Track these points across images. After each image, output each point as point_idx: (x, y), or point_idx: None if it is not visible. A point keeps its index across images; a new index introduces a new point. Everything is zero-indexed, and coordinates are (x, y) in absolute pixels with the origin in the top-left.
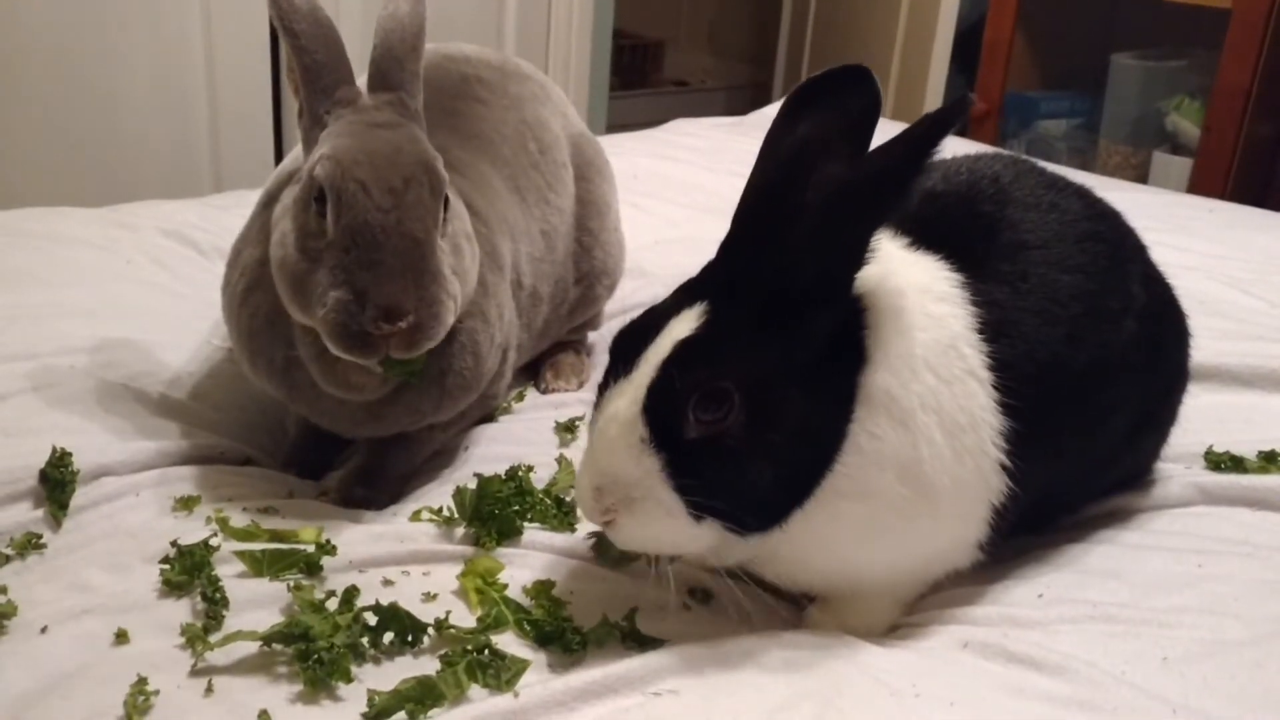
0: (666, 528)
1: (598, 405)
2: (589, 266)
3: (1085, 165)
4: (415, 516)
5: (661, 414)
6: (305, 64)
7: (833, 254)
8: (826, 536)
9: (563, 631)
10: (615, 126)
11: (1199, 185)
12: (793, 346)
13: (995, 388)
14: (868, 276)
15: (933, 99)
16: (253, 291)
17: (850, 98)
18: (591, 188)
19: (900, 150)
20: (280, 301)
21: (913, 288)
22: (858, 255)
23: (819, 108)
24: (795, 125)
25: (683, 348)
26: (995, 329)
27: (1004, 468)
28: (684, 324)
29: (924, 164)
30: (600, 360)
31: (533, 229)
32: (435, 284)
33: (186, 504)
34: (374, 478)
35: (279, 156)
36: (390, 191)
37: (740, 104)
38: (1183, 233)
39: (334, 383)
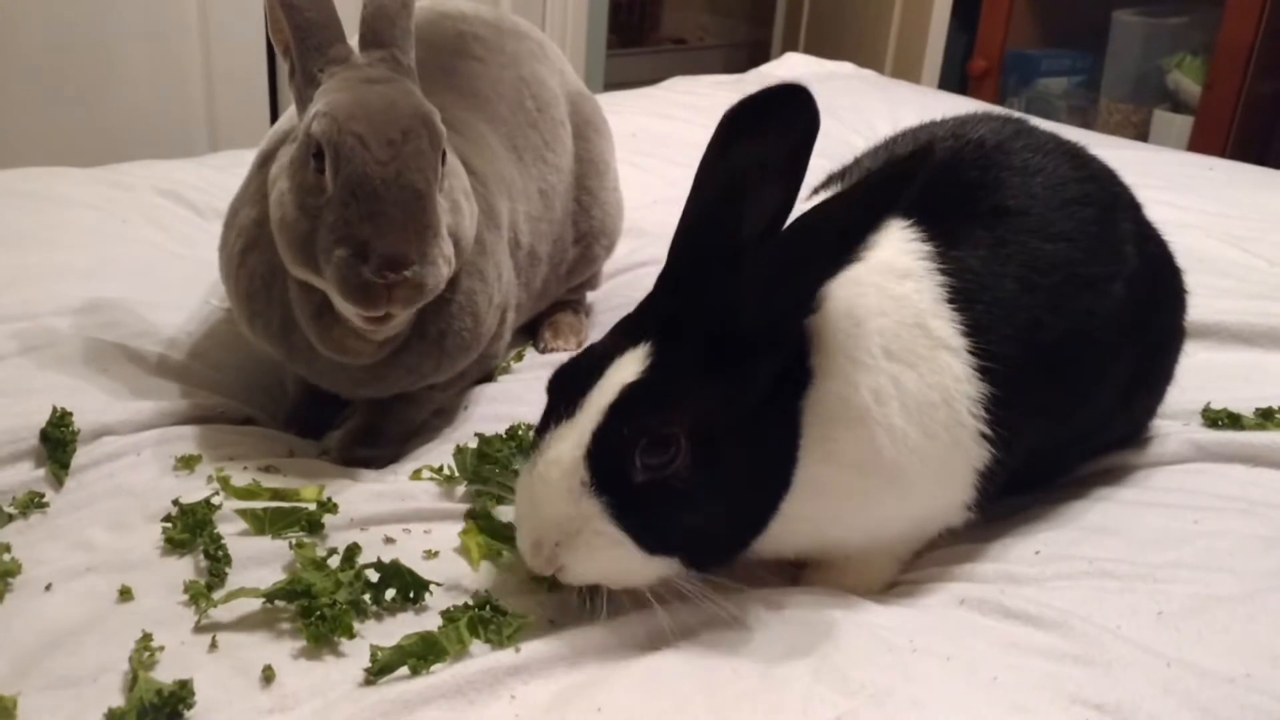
0: (615, 559)
1: (536, 447)
2: (588, 226)
3: (1086, 123)
4: (416, 475)
5: (606, 460)
6: (297, 23)
7: (780, 303)
8: (803, 522)
9: None
10: (612, 85)
11: (1199, 143)
12: (736, 390)
13: (971, 353)
14: None
15: (933, 57)
16: (250, 252)
17: (787, 118)
18: (590, 146)
19: (858, 203)
20: (278, 262)
21: (873, 269)
22: (805, 304)
23: (754, 131)
24: (729, 151)
25: (628, 392)
26: (968, 296)
27: (984, 435)
28: (628, 367)
29: (880, 220)
30: (599, 320)
31: (530, 188)
32: (434, 241)
33: (188, 463)
34: (374, 437)
35: (274, 116)
36: (389, 144)
37: (739, 62)
38: (1182, 191)
39: (330, 347)
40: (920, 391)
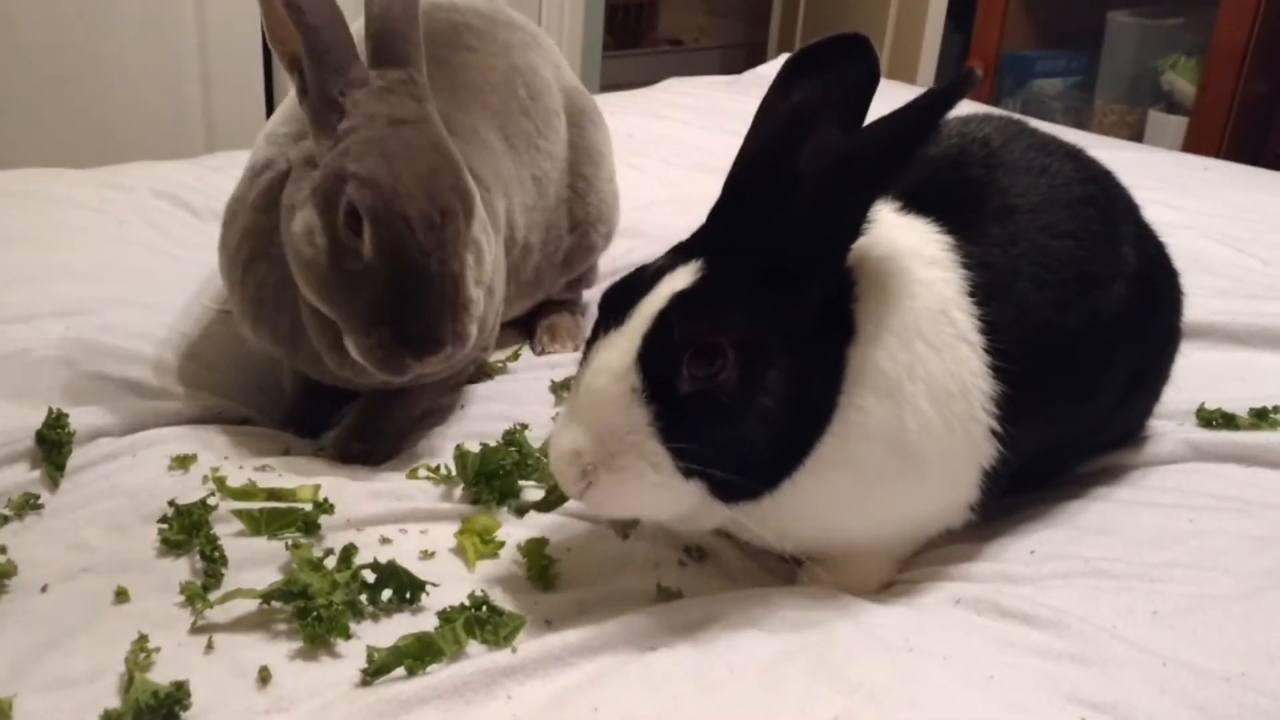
0: (648, 486)
1: (585, 359)
2: (584, 213)
3: (1081, 124)
4: (413, 474)
5: (656, 364)
6: (314, 43)
7: (829, 225)
8: (815, 504)
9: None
10: (609, 86)
11: (1194, 144)
12: (786, 311)
13: (987, 351)
14: (858, 243)
15: (928, 57)
16: (258, 260)
17: (848, 66)
18: (584, 134)
19: (902, 124)
20: (288, 272)
21: (903, 253)
22: (854, 227)
23: (815, 76)
24: (790, 93)
25: (680, 299)
26: (987, 292)
27: (995, 433)
28: (680, 278)
29: (925, 139)
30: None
31: (523, 175)
32: (466, 314)
33: (183, 462)
34: (370, 433)
35: (270, 115)
36: (431, 228)
37: (735, 63)
38: (1177, 191)
39: (346, 370)
40: (943, 379)
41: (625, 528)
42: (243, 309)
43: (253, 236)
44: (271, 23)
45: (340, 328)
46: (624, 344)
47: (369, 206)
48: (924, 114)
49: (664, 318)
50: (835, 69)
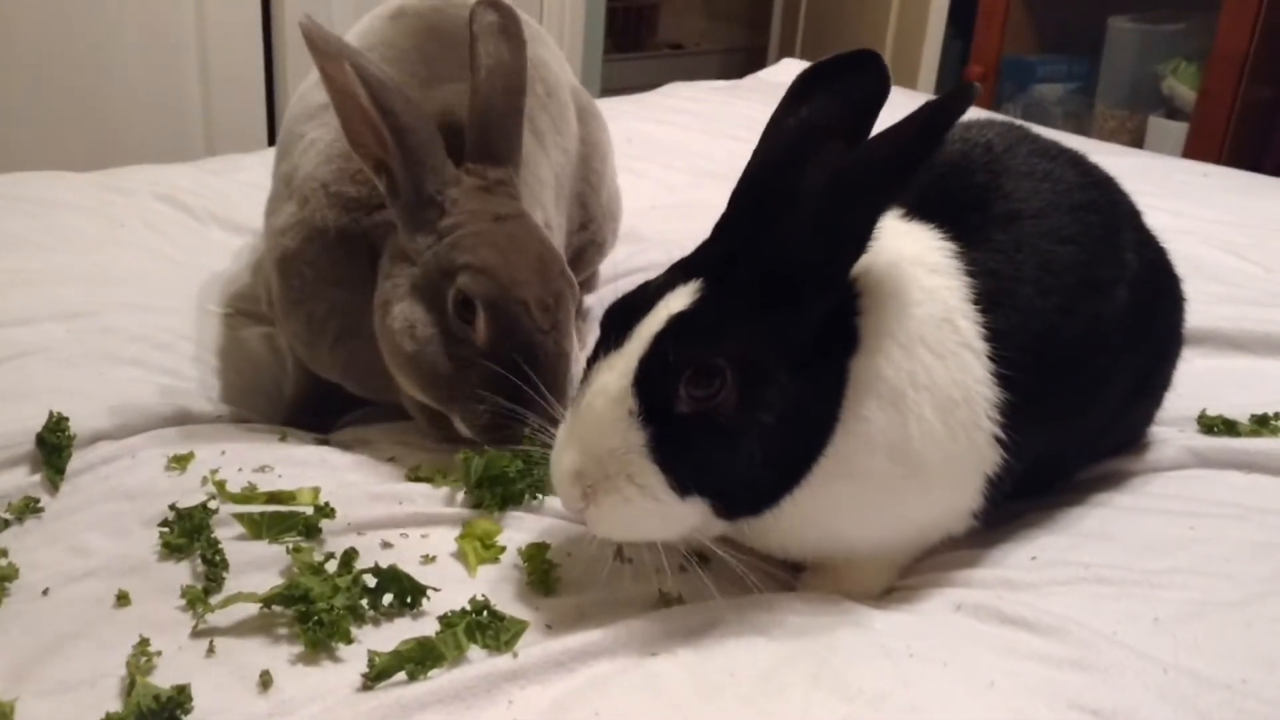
0: (647, 510)
1: (585, 379)
2: (597, 207)
3: (1081, 129)
4: (413, 472)
5: (652, 388)
6: (410, 144)
7: (830, 242)
8: (819, 514)
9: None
10: (610, 90)
11: (1194, 149)
12: (787, 329)
13: (991, 359)
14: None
15: (929, 62)
16: (348, 338)
17: (859, 82)
18: (590, 133)
19: (902, 139)
20: (379, 346)
21: (906, 260)
22: (857, 244)
23: (825, 91)
24: (799, 108)
25: (677, 321)
26: (990, 299)
27: (998, 440)
28: (679, 299)
29: (927, 154)
30: (597, 326)
31: (547, 174)
32: (570, 387)
33: (180, 461)
34: None
35: (271, 119)
36: (545, 310)
37: (735, 67)
38: (1178, 197)
39: (439, 438)
40: (947, 386)
41: (620, 551)
42: (327, 369)
43: (342, 314)
44: (353, 127)
45: (445, 410)
46: (622, 366)
47: (485, 294)
48: (924, 130)
49: (660, 340)
50: (846, 85)
